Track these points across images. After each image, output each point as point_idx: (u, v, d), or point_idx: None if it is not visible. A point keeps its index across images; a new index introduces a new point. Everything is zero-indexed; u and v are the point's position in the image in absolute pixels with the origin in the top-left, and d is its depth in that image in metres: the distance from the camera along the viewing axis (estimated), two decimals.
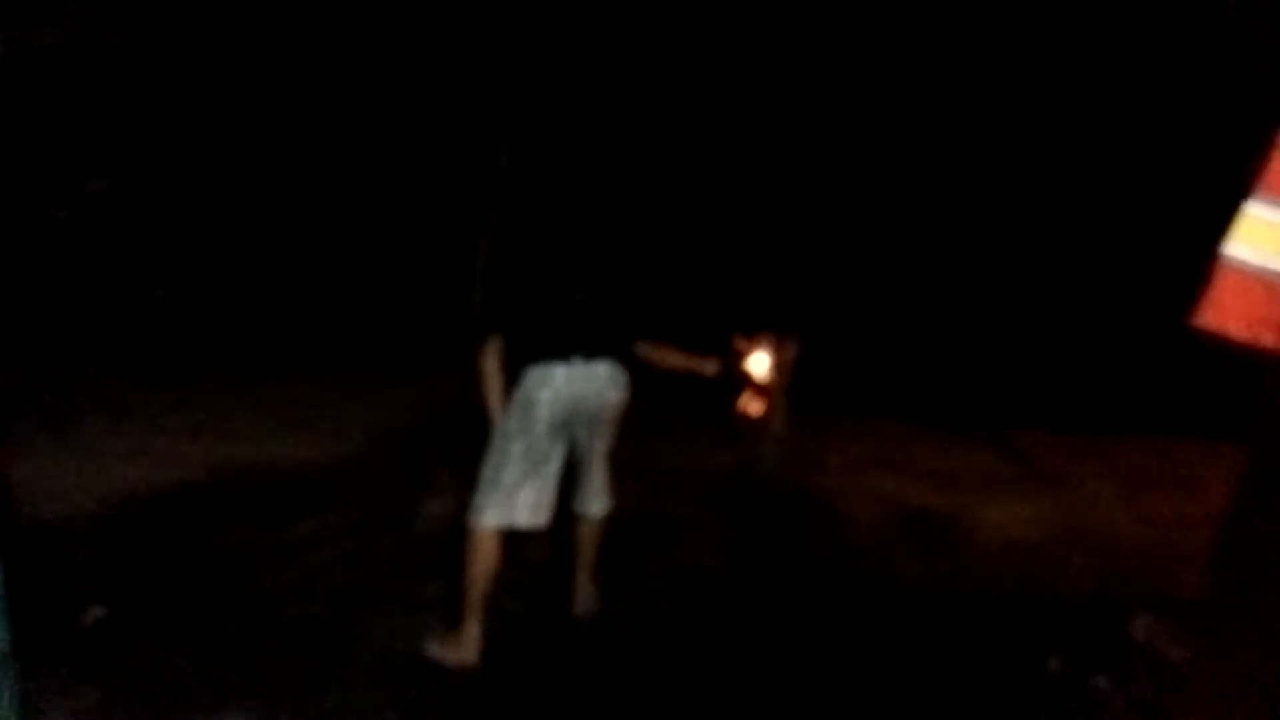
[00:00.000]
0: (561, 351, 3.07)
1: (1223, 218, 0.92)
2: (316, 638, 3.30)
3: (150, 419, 5.82)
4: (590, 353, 3.11)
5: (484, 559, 3.10)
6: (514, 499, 3.08)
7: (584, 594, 3.51)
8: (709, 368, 3.50)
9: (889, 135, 7.23)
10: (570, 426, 3.16)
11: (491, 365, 3.15)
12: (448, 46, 6.81)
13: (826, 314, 5.56)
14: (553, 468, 3.15)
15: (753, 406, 4.29)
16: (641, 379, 3.32)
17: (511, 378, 3.14)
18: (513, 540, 3.20)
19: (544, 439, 3.09)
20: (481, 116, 7.56)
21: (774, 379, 5.59)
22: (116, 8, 4.50)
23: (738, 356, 3.89)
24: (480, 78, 7.02)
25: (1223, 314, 0.90)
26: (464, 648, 3.12)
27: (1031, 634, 3.44)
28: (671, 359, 3.41)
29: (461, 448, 4.93)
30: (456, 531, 3.81)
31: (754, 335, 3.91)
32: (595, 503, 3.38)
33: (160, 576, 3.77)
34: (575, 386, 3.08)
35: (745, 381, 4.01)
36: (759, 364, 3.84)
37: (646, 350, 3.34)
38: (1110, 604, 3.68)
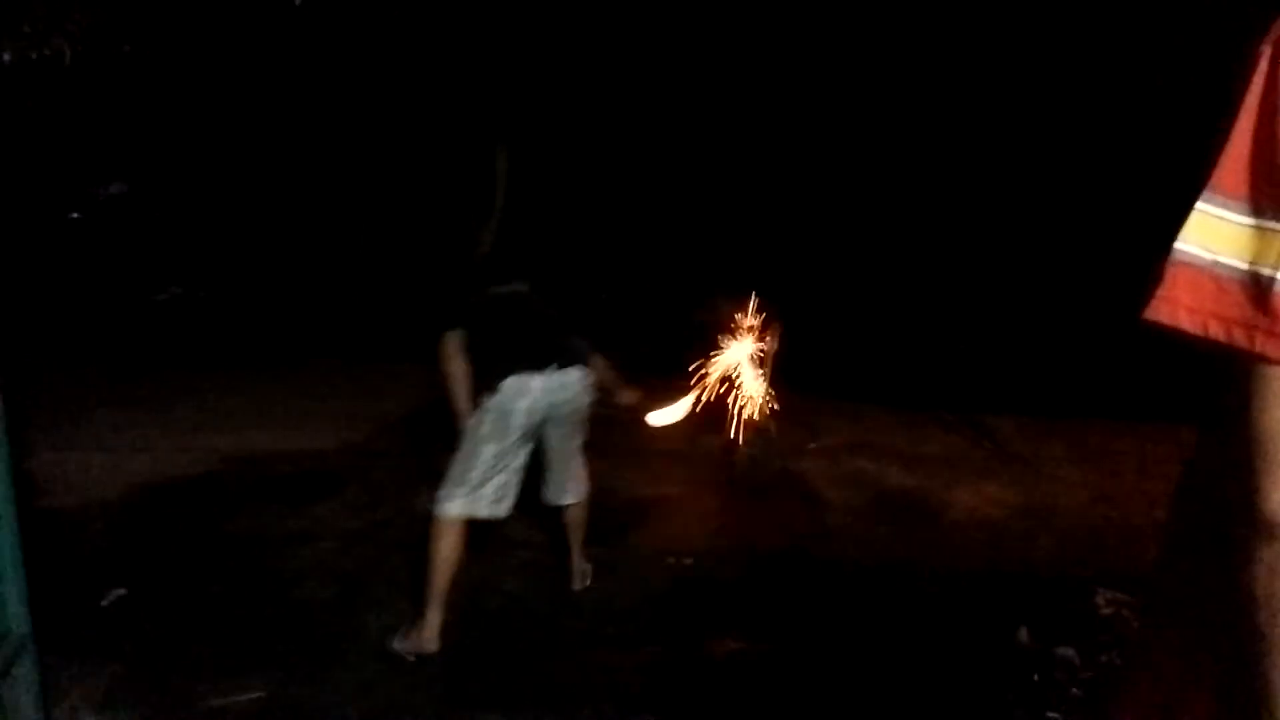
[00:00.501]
0: (538, 362, 3.08)
1: (1177, 213, 0.93)
2: (326, 618, 3.31)
3: (166, 410, 5.80)
4: (563, 362, 3.13)
5: (448, 548, 3.07)
6: (479, 493, 3.08)
7: (579, 571, 3.56)
8: (627, 398, 3.42)
9: (866, 130, 7.21)
10: (542, 429, 3.18)
11: (457, 365, 3.06)
12: (445, 51, 6.78)
13: (805, 304, 5.54)
14: (518, 463, 3.16)
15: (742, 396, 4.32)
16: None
17: (480, 380, 3.07)
18: (504, 526, 3.23)
19: (516, 443, 3.10)
20: (481, 116, 7.54)
21: (756, 367, 5.60)
22: (125, 18, 4.47)
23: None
24: (479, 80, 6.99)
25: (1174, 307, 0.90)
26: (426, 638, 3.07)
27: (1000, 608, 3.46)
28: (605, 378, 3.34)
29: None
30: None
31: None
32: (572, 492, 3.42)
33: (176, 560, 3.77)
34: (551, 395, 3.09)
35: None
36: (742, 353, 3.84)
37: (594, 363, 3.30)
38: (1075, 579, 3.70)
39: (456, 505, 3.07)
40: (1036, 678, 3.03)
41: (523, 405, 3.05)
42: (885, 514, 4.34)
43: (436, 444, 4.81)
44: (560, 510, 3.48)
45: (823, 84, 7.12)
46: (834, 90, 7.11)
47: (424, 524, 3.89)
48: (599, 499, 3.62)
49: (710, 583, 3.67)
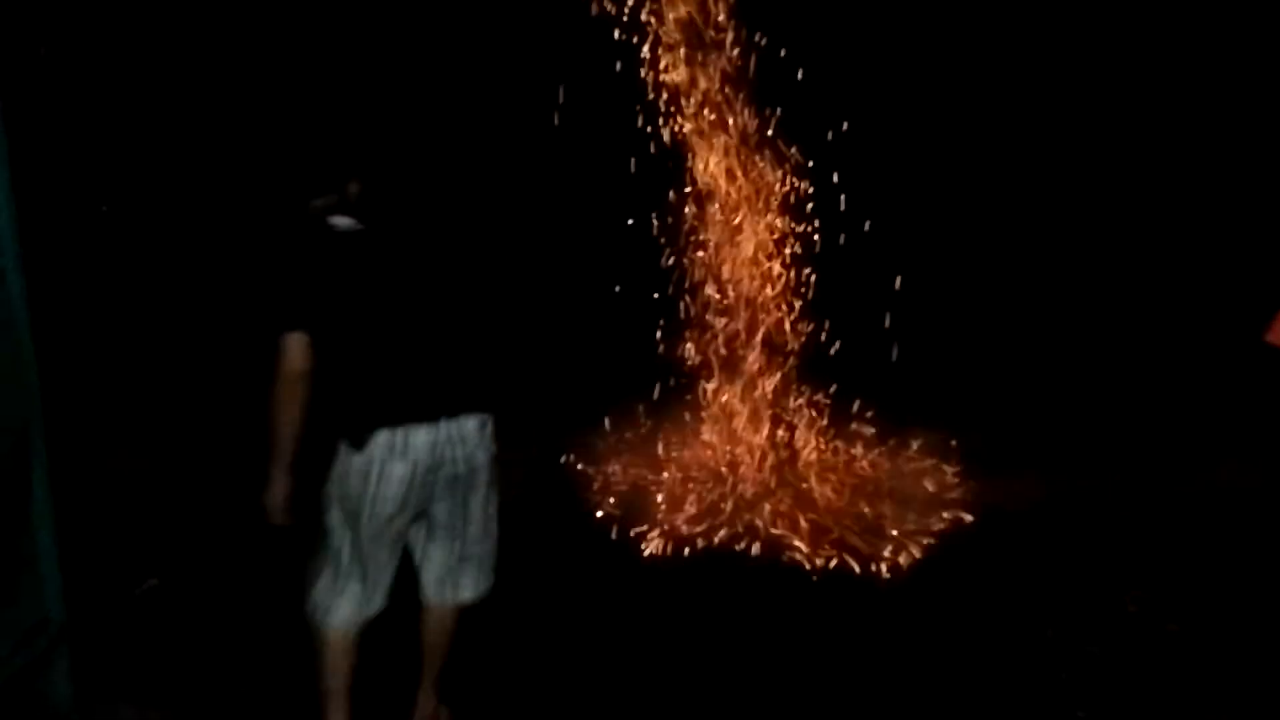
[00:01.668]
0: (426, 403, 2.25)
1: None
2: None
3: (204, 399, 5.82)
4: (460, 401, 2.30)
5: (342, 657, 2.41)
6: (345, 589, 2.37)
7: (432, 712, 2.64)
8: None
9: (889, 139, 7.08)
10: (431, 496, 2.33)
11: (293, 375, 2.18)
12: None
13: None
14: (402, 542, 2.41)
15: None
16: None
17: (333, 425, 2.29)
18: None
19: (399, 518, 2.29)
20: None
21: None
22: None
23: None
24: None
25: None
26: None
27: (1028, 606, 3.42)
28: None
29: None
30: None
31: None
32: (460, 589, 2.49)
33: (209, 550, 3.79)
34: (440, 452, 2.26)
35: None
36: None
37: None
38: (1101, 577, 3.65)
39: (342, 614, 2.37)
40: (1065, 677, 2.99)
41: (400, 472, 2.22)
42: (903, 513, 4.29)
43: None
44: (424, 611, 2.53)
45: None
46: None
47: None
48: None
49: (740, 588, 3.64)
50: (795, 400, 4.69)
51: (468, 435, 2.30)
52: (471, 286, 2.36)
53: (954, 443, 4.84)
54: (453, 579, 2.47)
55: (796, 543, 3.83)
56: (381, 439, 2.21)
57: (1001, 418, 5.82)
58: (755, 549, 3.80)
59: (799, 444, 4.60)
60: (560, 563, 3.62)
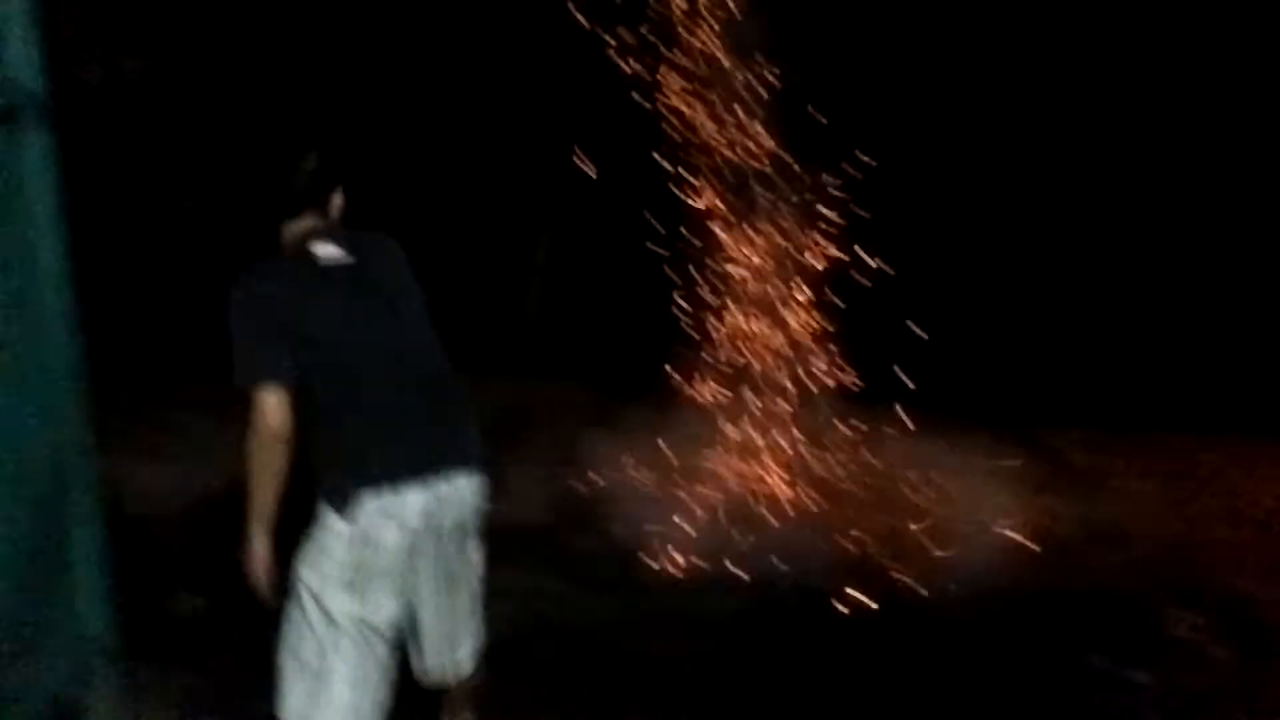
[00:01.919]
0: (418, 458, 1.98)
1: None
2: None
3: (240, 418, 5.88)
4: (454, 453, 2.05)
5: None
6: (335, 693, 2.00)
7: None
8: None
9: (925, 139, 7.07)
10: (422, 562, 2.04)
11: (270, 435, 1.94)
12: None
13: (864, 315, 5.44)
14: (398, 623, 2.07)
15: None
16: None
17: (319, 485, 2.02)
18: None
19: (386, 597, 1.99)
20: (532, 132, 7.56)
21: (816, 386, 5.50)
22: (197, 41, 4.59)
23: None
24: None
25: None
26: None
27: (1071, 629, 3.36)
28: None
29: (522, 447, 4.96)
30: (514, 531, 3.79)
31: None
32: (466, 656, 2.24)
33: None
34: (437, 514, 2.00)
35: None
36: None
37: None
38: (1149, 600, 3.58)
39: (290, 713, 2.06)
40: (1109, 703, 2.93)
41: (392, 539, 1.94)
42: (946, 531, 4.23)
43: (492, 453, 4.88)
44: (442, 692, 2.31)
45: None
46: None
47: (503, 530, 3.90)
48: None
49: (769, 605, 3.59)
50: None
51: (461, 491, 2.03)
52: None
53: (993, 461, 4.78)
54: (451, 655, 2.20)
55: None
56: (370, 504, 1.92)
57: (1038, 431, 5.77)
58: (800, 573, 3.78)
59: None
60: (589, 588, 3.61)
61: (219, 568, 3.72)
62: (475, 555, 2.17)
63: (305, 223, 2.09)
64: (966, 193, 7.24)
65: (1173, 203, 6.97)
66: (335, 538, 1.96)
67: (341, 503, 1.94)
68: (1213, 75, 6.46)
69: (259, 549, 2.08)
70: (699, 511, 4.27)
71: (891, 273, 5.04)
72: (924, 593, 3.60)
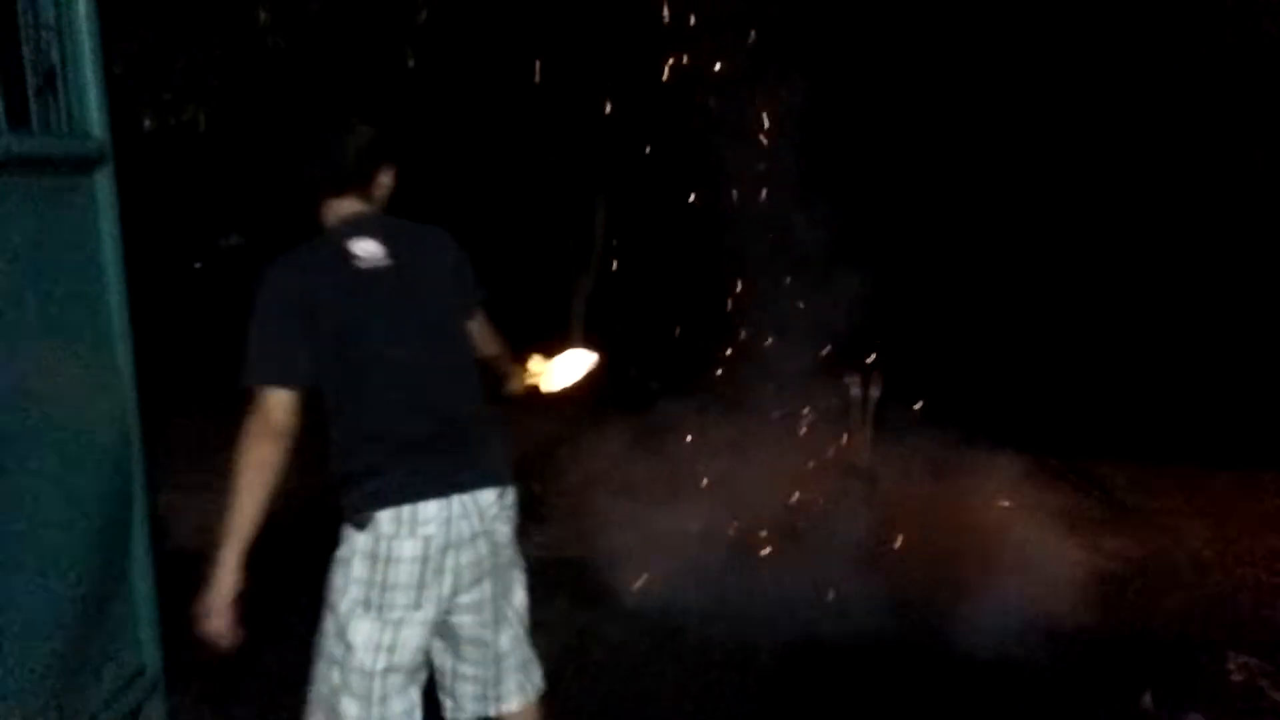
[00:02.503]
0: (438, 472, 1.91)
1: None
2: None
3: (289, 451, 5.98)
4: (477, 465, 1.97)
5: None
6: (371, 715, 1.92)
7: None
8: (517, 385, 2.27)
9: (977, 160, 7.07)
10: (453, 591, 1.95)
11: (266, 446, 1.86)
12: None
13: (908, 346, 5.45)
14: (421, 661, 1.99)
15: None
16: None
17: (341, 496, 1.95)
18: None
19: (411, 615, 1.91)
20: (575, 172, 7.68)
21: (859, 413, 5.51)
22: (251, 89, 4.74)
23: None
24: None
25: None
26: None
27: (1122, 670, 3.28)
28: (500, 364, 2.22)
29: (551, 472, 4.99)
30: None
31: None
32: (517, 687, 2.10)
33: (295, 600, 3.85)
34: (458, 528, 1.90)
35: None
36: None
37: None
38: (1203, 641, 3.49)
39: None
40: None
41: (411, 551, 1.87)
42: (994, 567, 4.17)
43: (536, 480, 4.92)
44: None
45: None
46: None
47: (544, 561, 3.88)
48: None
49: (811, 639, 3.56)
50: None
51: (485, 505, 1.93)
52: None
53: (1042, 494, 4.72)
54: (495, 691, 2.05)
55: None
56: (386, 518, 1.86)
57: (1085, 463, 5.68)
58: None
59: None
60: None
61: (268, 599, 3.79)
62: (518, 588, 2.06)
63: (348, 203, 1.95)
64: (1013, 224, 7.21)
65: (1218, 239, 6.89)
66: (354, 553, 1.90)
67: (359, 517, 1.88)
68: (1238, 98, 6.39)
69: (225, 573, 1.93)
70: (732, 541, 4.26)
71: (936, 298, 5.05)
72: (967, 627, 3.54)
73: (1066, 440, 5.98)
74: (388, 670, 1.91)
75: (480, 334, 2.11)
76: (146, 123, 3.88)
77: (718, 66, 4.91)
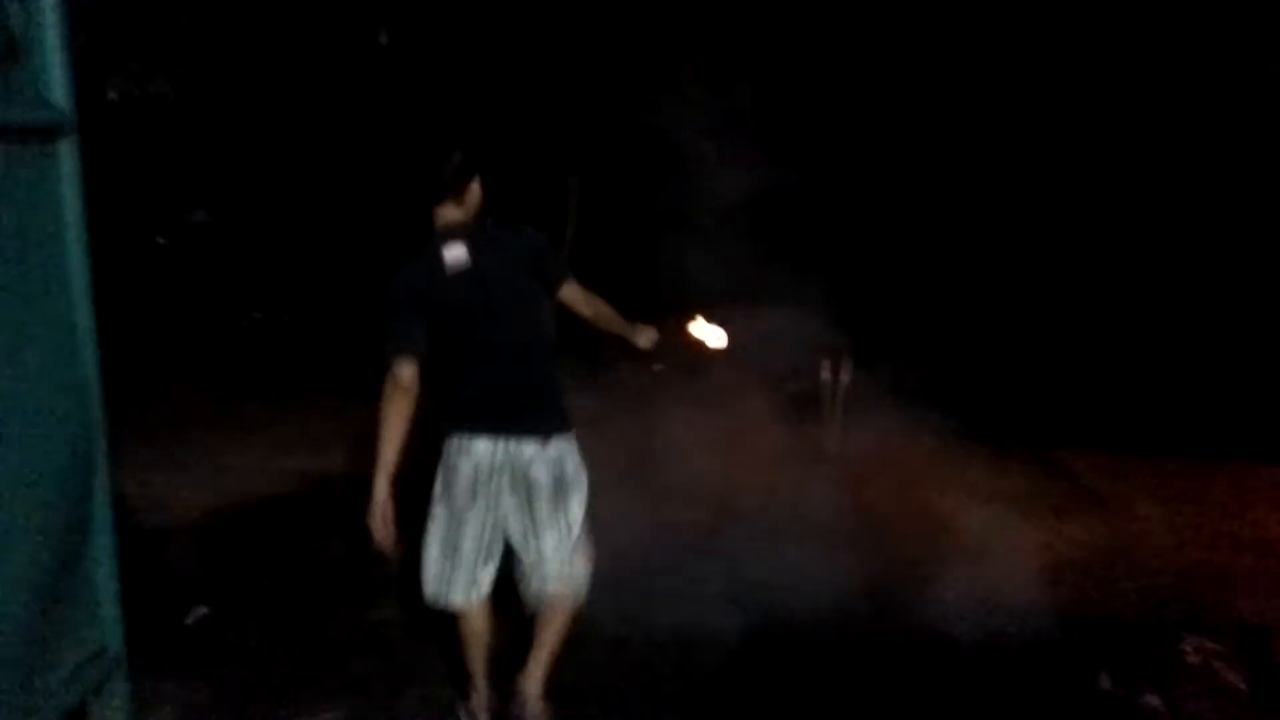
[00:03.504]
0: (490, 424, 2.60)
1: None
2: (404, 639, 3.34)
3: (249, 432, 5.95)
4: (525, 430, 2.60)
5: (472, 630, 2.70)
6: (444, 572, 2.64)
7: (525, 698, 2.73)
8: (644, 339, 2.95)
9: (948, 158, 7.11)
10: (497, 501, 2.62)
11: (400, 396, 2.51)
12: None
13: (880, 334, 5.49)
14: (489, 537, 2.64)
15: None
16: None
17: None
18: None
19: (469, 510, 2.61)
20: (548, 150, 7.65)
21: (829, 399, 5.55)
22: (220, 61, 4.66)
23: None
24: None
25: None
26: (477, 709, 2.76)
27: (1081, 652, 3.35)
28: (616, 325, 2.89)
29: None
30: None
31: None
32: (554, 577, 2.66)
33: (258, 579, 3.84)
34: (499, 459, 2.58)
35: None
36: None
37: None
38: (1161, 624, 3.57)
39: (456, 594, 2.64)
40: None
41: (465, 468, 2.58)
42: (958, 551, 4.23)
43: None
44: (530, 609, 2.75)
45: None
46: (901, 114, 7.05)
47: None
48: None
49: (776, 626, 3.59)
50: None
51: (528, 454, 2.59)
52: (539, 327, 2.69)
53: (1007, 481, 4.78)
54: (538, 577, 2.67)
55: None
56: (454, 440, 2.59)
57: (1052, 453, 5.76)
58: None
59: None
60: None
61: (225, 579, 3.78)
62: (573, 506, 2.65)
63: (448, 210, 2.63)
64: (980, 214, 7.27)
65: (1184, 230, 6.98)
66: (441, 460, 2.63)
67: (445, 436, 2.60)
68: (1231, 98, 6.48)
69: (380, 493, 2.56)
70: (692, 524, 4.28)
71: (908, 288, 5.08)
72: (933, 610, 3.59)
73: (1032, 428, 6.08)
74: (450, 542, 2.62)
75: (577, 299, 2.77)
76: (112, 94, 3.80)
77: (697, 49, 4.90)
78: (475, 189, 2.65)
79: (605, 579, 2.80)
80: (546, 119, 7.06)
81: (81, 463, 2.37)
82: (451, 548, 2.63)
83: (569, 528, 2.66)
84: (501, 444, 2.58)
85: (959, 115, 7.00)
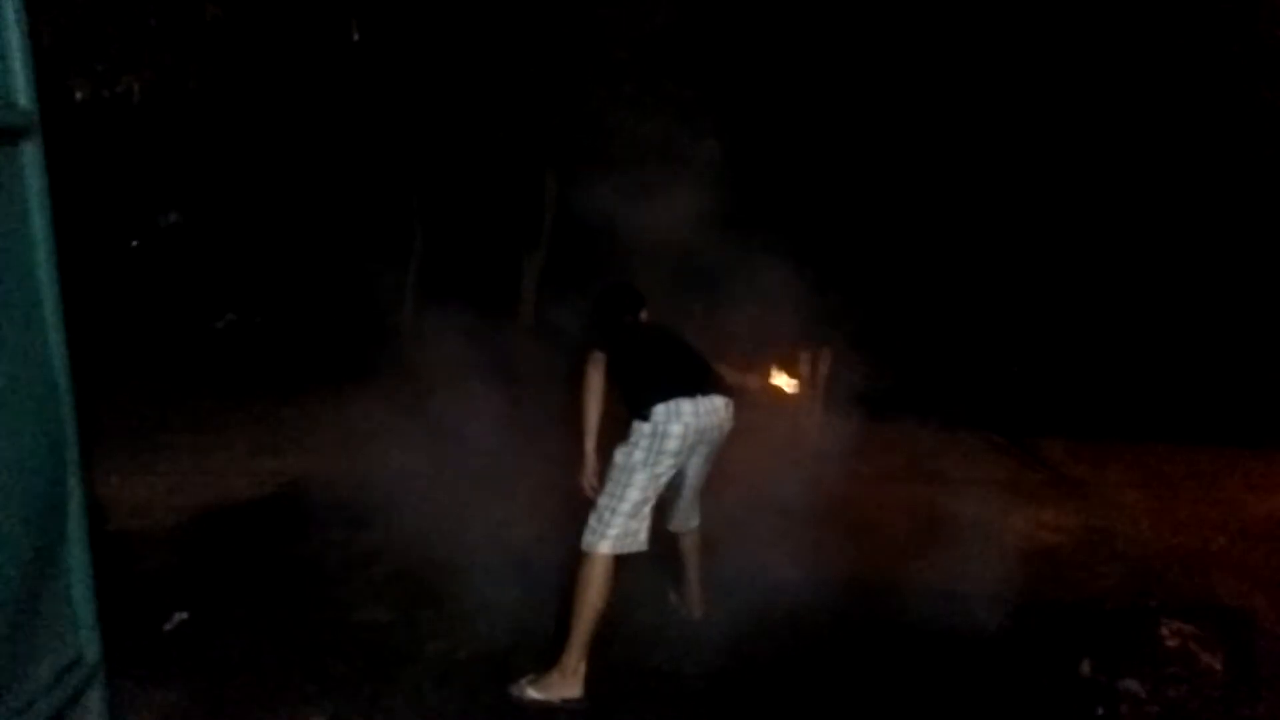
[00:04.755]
0: (689, 387, 3.05)
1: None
2: (386, 642, 3.32)
3: (225, 434, 5.90)
4: (710, 387, 3.11)
5: (600, 591, 2.95)
6: (629, 526, 2.99)
7: (701, 600, 3.51)
8: (756, 382, 3.61)
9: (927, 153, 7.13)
10: (689, 455, 3.11)
11: (597, 381, 3.11)
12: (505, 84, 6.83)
13: (859, 327, 5.50)
14: (660, 494, 3.08)
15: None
16: None
17: (629, 407, 3.05)
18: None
19: (667, 470, 3.03)
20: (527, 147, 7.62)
21: (809, 390, 5.56)
22: (191, 60, 4.60)
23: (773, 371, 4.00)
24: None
25: None
26: (571, 684, 2.94)
27: (1062, 638, 3.37)
28: (753, 381, 3.61)
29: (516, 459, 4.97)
30: (510, 542, 3.81)
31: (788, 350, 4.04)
32: (695, 517, 3.42)
33: (237, 583, 3.81)
34: (701, 420, 3.03)
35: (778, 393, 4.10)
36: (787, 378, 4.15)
37: (732, 376, 3.35)
38: (1140, 609, 3.60)
39: (609, 543, 2.97)
40: (1100, 711, 2.94)
41: (676, 430, 2.98)
42: (939, 540, 4.26)
43: (499, 466, 4.89)
44: (678, 537, 3.43)
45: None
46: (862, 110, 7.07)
47: (477, 547, 3.88)
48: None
49: (760, 611, 3.60)
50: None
51: (717, 407, 3.11)
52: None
53: (988, 468, 4.80)
54: (691, 511, 3.39)
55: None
56: (661, 409, 3.00)
57: (1032, 440, 5.80)
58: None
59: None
60: None
61: (203, 583, 3.75)
62: (714, 457, 3.24)
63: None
64: (964, 203, 7.29)
65: (1165, 218, 7.04)
66: (640, 434, 3.01)
67: (641, 412, 3.01)
68: (1206, 90, 6.54)
69: (589, 457, 3.13)
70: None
71: (890, 282, 5.09)
72: (914, 599, 3.61)
73: (1012, 417, 6.12)
74: (644, 502, 3.02)
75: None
76: (79, 94, 3.74)
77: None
78: (644, 312, 3.43)
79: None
80: (523, 114, 7.04)
81: (53, 468, 2.33)
82: (640, 510, 3.02)
83: (705, 475, 3.37)
84: (698, 404, 3.07)
85: (942, 107, 7.03)
